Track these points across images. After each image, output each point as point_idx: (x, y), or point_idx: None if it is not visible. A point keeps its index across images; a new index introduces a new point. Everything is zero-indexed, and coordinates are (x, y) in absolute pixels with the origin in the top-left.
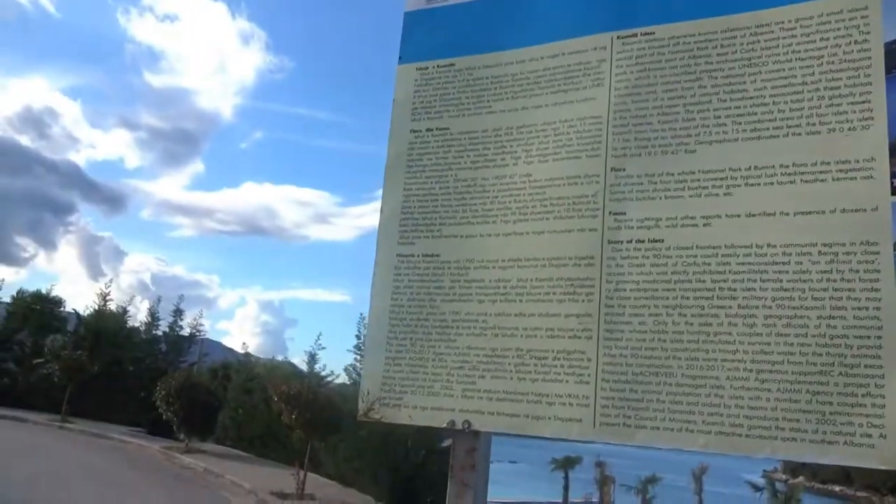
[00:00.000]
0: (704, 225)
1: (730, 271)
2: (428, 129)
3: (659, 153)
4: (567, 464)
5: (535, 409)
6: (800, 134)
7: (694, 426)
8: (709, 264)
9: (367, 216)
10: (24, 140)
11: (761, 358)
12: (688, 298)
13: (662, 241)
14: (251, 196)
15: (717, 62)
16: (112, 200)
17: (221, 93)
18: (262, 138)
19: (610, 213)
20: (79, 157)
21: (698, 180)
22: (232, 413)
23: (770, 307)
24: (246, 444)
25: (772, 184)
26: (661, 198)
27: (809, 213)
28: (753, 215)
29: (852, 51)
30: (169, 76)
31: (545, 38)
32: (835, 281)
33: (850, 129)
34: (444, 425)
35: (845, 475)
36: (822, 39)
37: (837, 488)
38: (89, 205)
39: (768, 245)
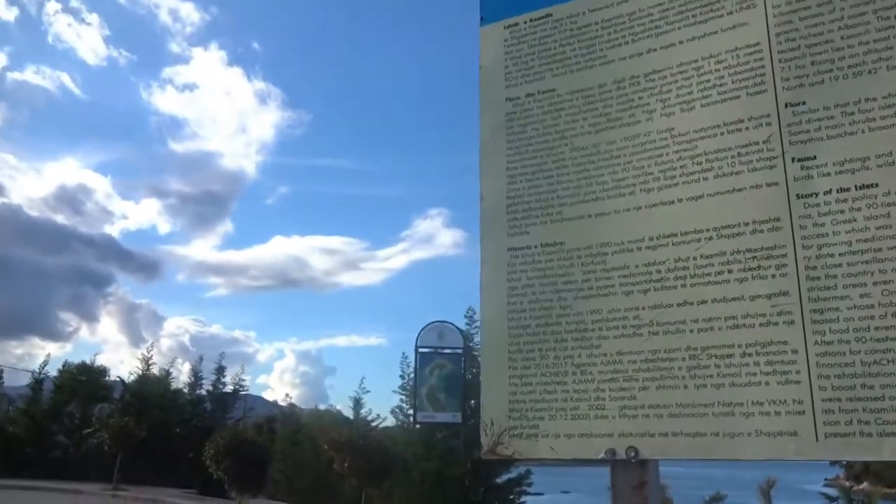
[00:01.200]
0: None
1: None
2: (528, 95)
3: (850, 75)
4: None
5: (726, 423)
6: None
7: None
8: None
9: (394, 258)
10: (60, 218)
11: None
12: None
13: (877, 185)
14: (281, 249)
15: None
16: (148, 268)
17: (244, 152)
18: (287, 192)
19: (793, 159)
20: (113, 230)
21: None
22: (281, 466)
23: None
24: (298, 497)
25: None
26: (863, 131)
27: None
28: None
29: None
30: (192, 142)
31: None
32: None
33: None
34: (602, 456)
35: None
36: None
37: None
38: (126, 274)
39: None
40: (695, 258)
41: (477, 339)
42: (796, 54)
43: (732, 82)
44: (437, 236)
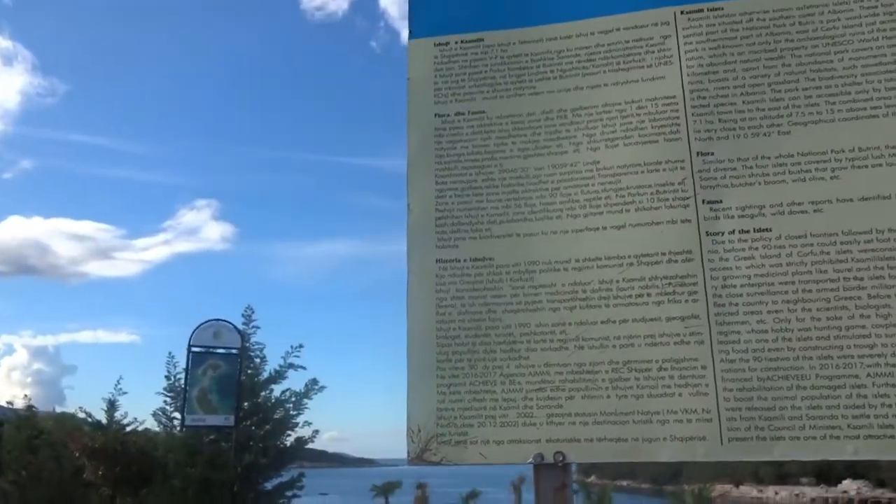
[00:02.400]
0: (815, 211)
1: (852, 259)
2: (458, 113)
3: (749, 135)
4: (388, 489)
5: (644, 430)
6: None
7: (839, 431)
8: (827, 253)
9: (154, 248)
10: None
11: None
12: (810, 291)
13: (770, 230)
14: (19, 231)
15: (799, 39)
16: None
17: None
18: (31, 167)
19: (703, 201)
20: None
21: (799, 163)
22: (13, 476)
23: None
24: None
25: (880, 165)
26: (760, 183)
27: None
28: (867, 199)
29: None
30: None
31: (594, 11)
32: None
33: None
34: (530, 461)
35: (630, 471)
36: None
37: (625, 483)
38: None
39: (889, 230)
40: (618, 281)
41: (255, 338)
42: (706, 110)
43: (652, 127)
44: (204, 229)
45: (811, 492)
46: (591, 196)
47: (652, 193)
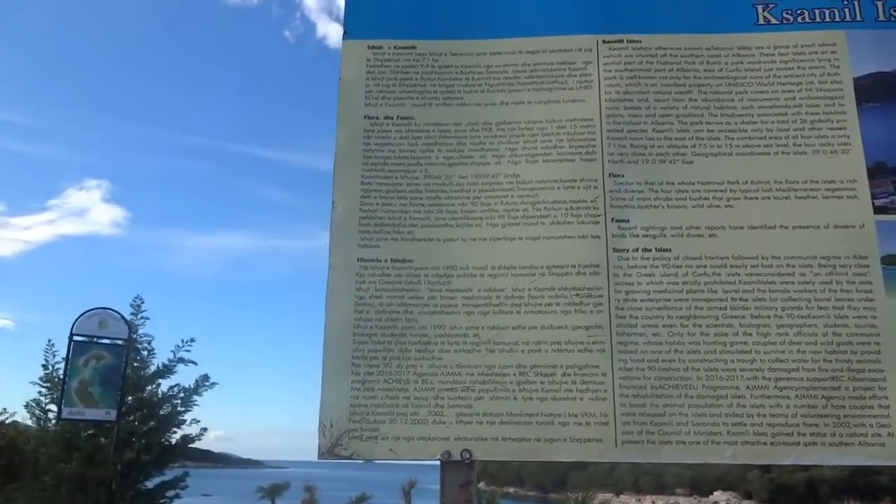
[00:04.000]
0: (710, 235)
1: (740, 281)
2: (387, 117)
3: (657, 161)
4: (275, 491)
5: (546, 431)
6: (788, 153)
7: (720, 437)
8: (719, 275)
9: (37, 228)
10: None
11: (778, 366)
12: (701, 308)
13: (670, 250)
14: None
15: (705, 77)
16: None
17: None
18: None
19: (612, 219)
20: None
21: (699, 191)
22: None
23: (781, 316)
24: None
25: (769, 198)
26: (663, 206)
27: (807, 227)
28: (756, 227)
29: (826, 81)
30: None
31: (523, 31)
32: (835, 291)
33: (832, 151)
34: (438, 458)
35: (517, 478)
36: (798, 68)
37: (512, 490)
38: None
39: (773, 256)
40: (530, 289)
41: (143, 330)
42: (620, 135)
43: (570, 147)
44: (94, 211)
45: (685, 502)
46: (509, 207)
47: (566, 209)
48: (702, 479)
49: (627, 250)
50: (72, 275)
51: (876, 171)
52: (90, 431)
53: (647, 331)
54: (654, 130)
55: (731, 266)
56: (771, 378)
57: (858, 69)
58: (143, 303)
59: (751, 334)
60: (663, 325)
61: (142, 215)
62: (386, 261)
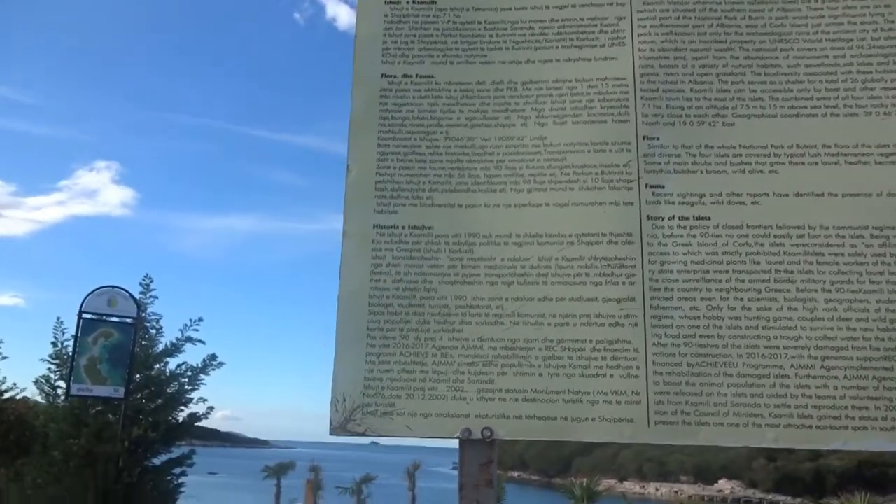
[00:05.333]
0: (753, 203)
1: (784, 253)
2: (405, 76)
3: (695, 123)
4: (280, 470)
5: (574, 409)
6: (838, 115)
7: (762, 419)
8: (762, 245)
9: (47, 209)
10: None
11: (825, 344)
12: (742, 281)
13: (709, 218)
14: None
15: (748, 34)
16: None
17: None
18: None
19: (647, 185)
20: None
21: (740, 155)
22: None
23: (829, 291)
24: None
25: (816, 164)
26: (702, 171)
27: (857, 195)
28: (802, 195)
29: (879, 38)
30: None
31: None
32: (889, 265)
33: (885, 113)
34: (458, 435)
35: (520, 462)
36: (849, 23)
37: (516, 474)
38: None
39: (821, 226)
40: (557, 259)
41: (151, 309)
42: (655, 95)
43: (601, 107)
44: (103, 192)
45: (689, 489)
46: (535, 171)
47: (597, 174)
48: (706, 467)
49: (663, 218)
50: (82, 255)
51: None
52: (98, 408)
53: (684, 304)
54: (691, 90)
55: (776, 236)
56: (818, 357)
57: None
58: (151, 282)
59: (796, 309)
60: (701, 299)
61: (151, 197)
62: (404, 227)
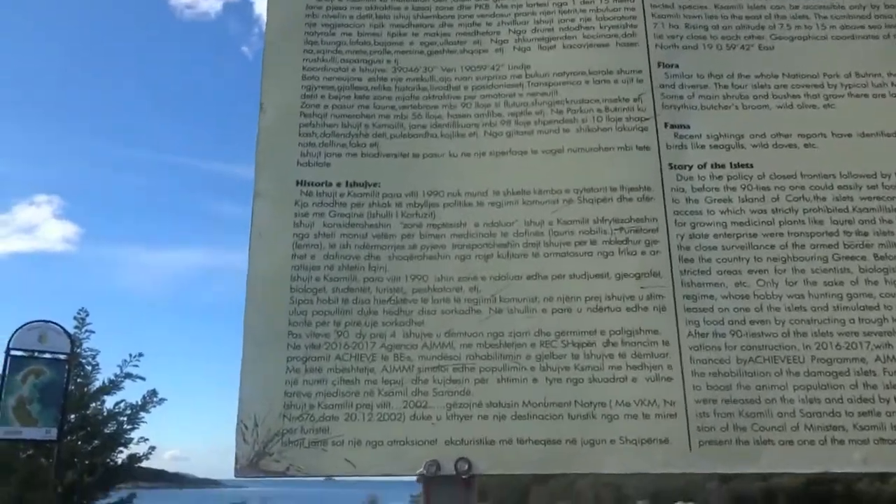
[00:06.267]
0: (806, 146)
1: (854, 208)
2: None
3: (723, 47)
4: None
5: (585, 428)
6: None
7: (844, 433)
8: (824, 199)
9: None
10: None
11: None
12: (803, 247)
13: (752, 165)
14: None
15: None
16: None
17: None
18: None
19: (666, 124)
20: None
21: (785, 86)
22: None
23: None
24: None
25: (883, 95)
26: (737, 107)
27: None
28: (869, 135)
29: None
30: None
31: None
32: None
33: None
34: (421, 471)
35: (480, 491)
36: None
37: None
38: None
39: None
40: (551, 223)
41: (87, 344)
42: (671, 11)
43: (601, 27)
44: (43, 227)
45: None
46: (517, 110)
47: (599, 111)
48: (663, 491)
49: (690, 167)
50: (20, 293)
51: None
52: (29, 452)
53: (727, 279)
54: (716, 6)
55: (840, 188)
56: None
57: None
58: (87, 315)
59: (876, 282)
60: (749, 272)
61: (95, 231)
62: (339, 184)
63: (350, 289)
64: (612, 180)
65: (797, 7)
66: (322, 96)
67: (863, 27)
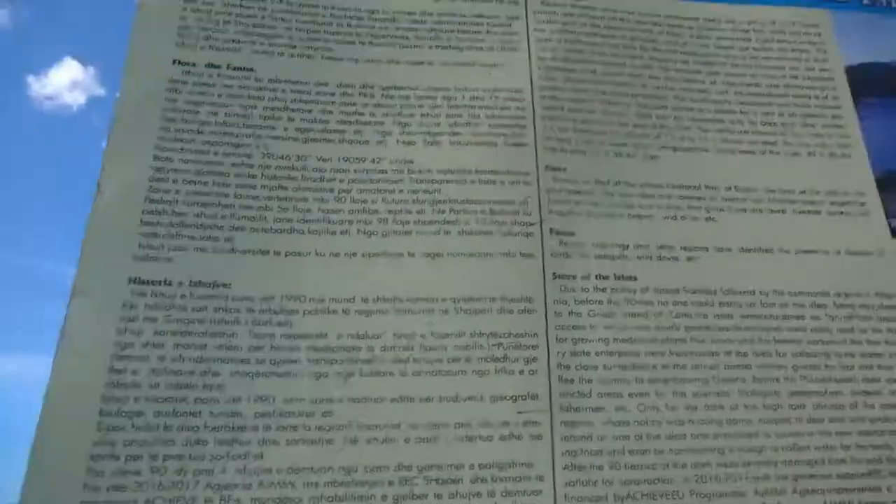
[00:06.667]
0: (689, 259)
1: (734, 327)
2: (211, 65)
3: (611, 153)
4: None
5: None
6: (778, 153)
7: None
8: (705, 316)
9: None
10: None
11: (795, 456)
12: (684, 368)
13: (635, 278)
14: None
15: (667, 50)
16: None
17: None
18: None
19: (552, 230)
20: None
21: (669, 196)
22: None
23: (793, 379)
24: None
25: (760, 211)
26: (623, 215)
27: (812, 252)
28: (748, 250)
29: (814, 68)
30: None
31: None
32: (859, 343)
33: (830, 154)
34: None
35: None
36: (780, 49)
37: None
38: None
39: (774, 291)
40: (423, 335)
41: None
42: (559, 114)
43: (489, 126)
44: None
45: None
46: (395, 207)
47: (483, 212)
48: None
49: (574, 277)
50: None
51: (886, 183)
52: None
53: (607, 403)
54: (604, 112)
55: (721, 304)
56: (788, 476)
57: (849, 57)
58: None
59: (755, 407)
60: (630, 395)
61: None
62: (181, 284)
63: (176, 412)
64: (493, 290)
65: (681, 118)
66: (174, 180)
67: (741, 141)
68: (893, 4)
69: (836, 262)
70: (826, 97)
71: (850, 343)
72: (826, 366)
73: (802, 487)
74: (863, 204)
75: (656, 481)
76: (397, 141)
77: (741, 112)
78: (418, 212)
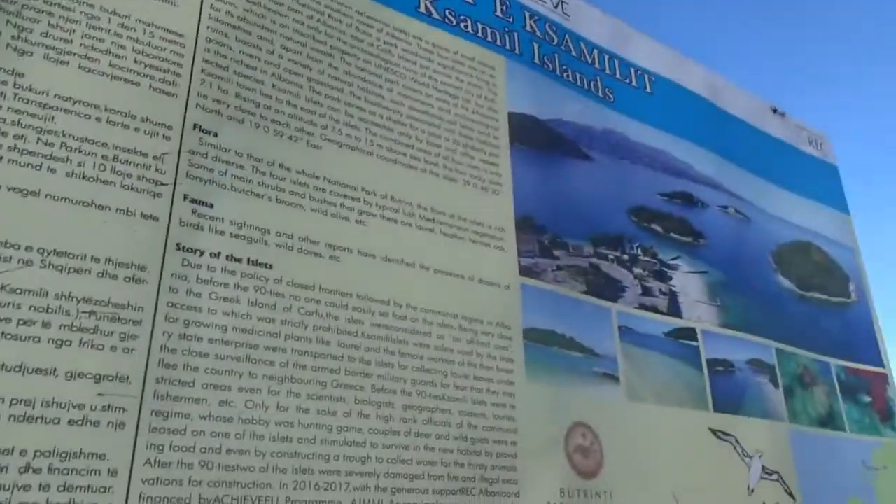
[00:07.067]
0: (332, 258)
1: (363, 334)
2: None
3: (271, 131)
4: None
5: None
6: (437, 175)
7: None
8: (336, 318)
9: None
10: None
11: (398, 469)
12: (304, 368)
13: (271, 266)
14: None
15: (352, 47)
16: None
17: None
18: None
19: (185, 196)
20: None
21: (323, 190)
22: None
23: (410, 394)
24: None
25: (410, 225)
26: (272, 198)
27: (449, 274)
28: (392, 260)
29: (483, 105)
30: None
31: None
32: (475, 367)
33: (482, 188)
34: None
35: None
36: (457, 78)
37: None
38: None
39: (409, 305)
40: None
41: None
42: (223, 74)
43: (136, 62)
44: None
45: None
46: None
47: (104, 157)
48: None
49: (202, 252)
50: None
51: (523, 224)
52: None
53: (211, 396)
54: (274, 86)
55: (355, 308)
56: (388, 489)
57: (513, 104)
58: None
59: (369, 416)
60: (239, 389)
61: None
62: None
63: None
64: (97, 248)
65: (352, 116)
66: None
67: (405, 154)
68: (560, 72)
69: (469, 287)
70: (489, 134)
71: (468, 365)
72: (442, 384)
73: (399, 501)
74: (501, 239)
75: (252, 485)
76: (7, 45)
77: (411, 126)
78: (16, 137)
